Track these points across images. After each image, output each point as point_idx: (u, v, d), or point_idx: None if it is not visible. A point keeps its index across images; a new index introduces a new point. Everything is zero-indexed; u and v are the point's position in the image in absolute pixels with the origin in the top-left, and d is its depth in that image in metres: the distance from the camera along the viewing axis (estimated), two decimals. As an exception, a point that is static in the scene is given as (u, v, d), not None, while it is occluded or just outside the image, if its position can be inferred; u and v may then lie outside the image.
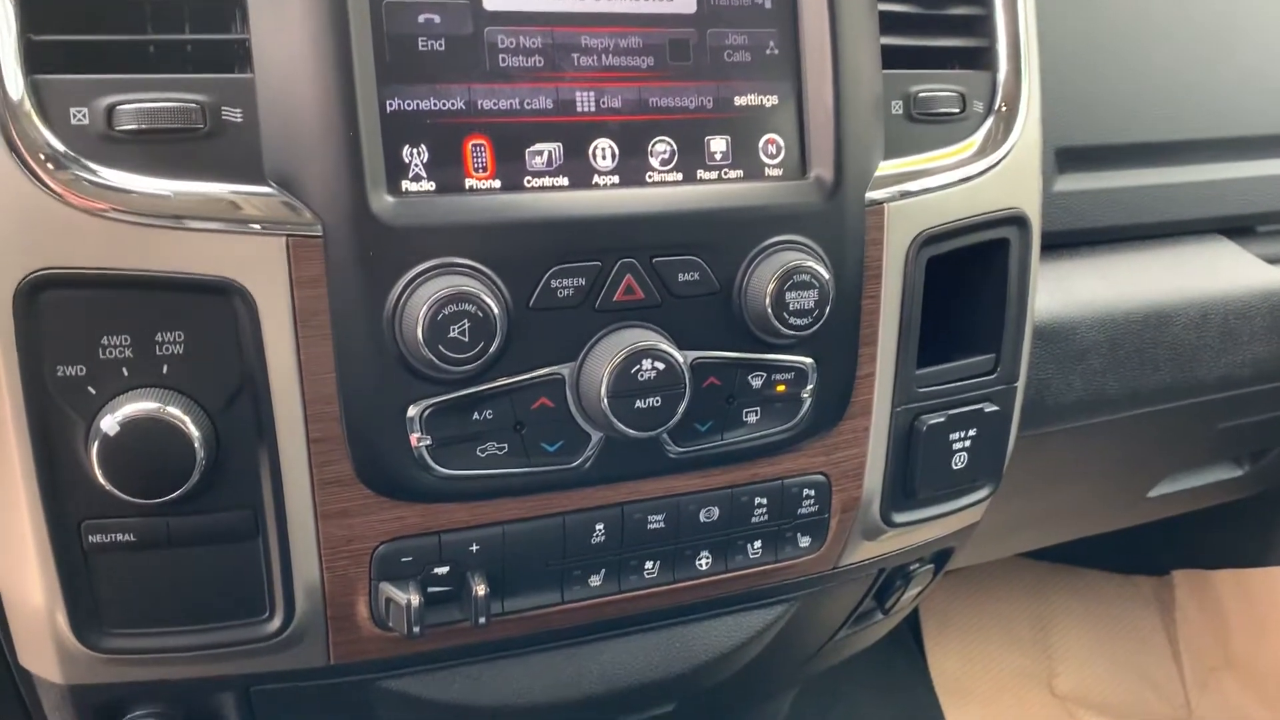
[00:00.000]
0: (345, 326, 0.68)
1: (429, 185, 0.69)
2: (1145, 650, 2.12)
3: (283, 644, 0.75)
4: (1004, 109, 0.88)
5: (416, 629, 0.74)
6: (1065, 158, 1.05)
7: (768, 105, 0.78)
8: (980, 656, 2.04)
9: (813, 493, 0.86)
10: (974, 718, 1.92)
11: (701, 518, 0.83)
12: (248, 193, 0.66)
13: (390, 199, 0.68)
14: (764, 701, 1.28)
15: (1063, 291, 1.07)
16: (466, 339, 0.68)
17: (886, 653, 1.55)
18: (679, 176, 0.76)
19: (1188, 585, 2.13)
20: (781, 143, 0.78)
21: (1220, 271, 1.18)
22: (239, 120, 0.66)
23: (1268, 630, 2.03)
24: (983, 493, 0.98)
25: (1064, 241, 1.07)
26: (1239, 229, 1.23)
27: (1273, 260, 1.21)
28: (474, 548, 0.76)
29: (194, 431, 0.66)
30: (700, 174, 0.76)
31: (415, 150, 0.69)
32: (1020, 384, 0.96)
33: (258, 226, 0.66)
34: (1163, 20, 1.13)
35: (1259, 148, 1.18)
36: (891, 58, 0.82)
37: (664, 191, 0.75)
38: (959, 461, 0.93)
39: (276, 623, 0.75)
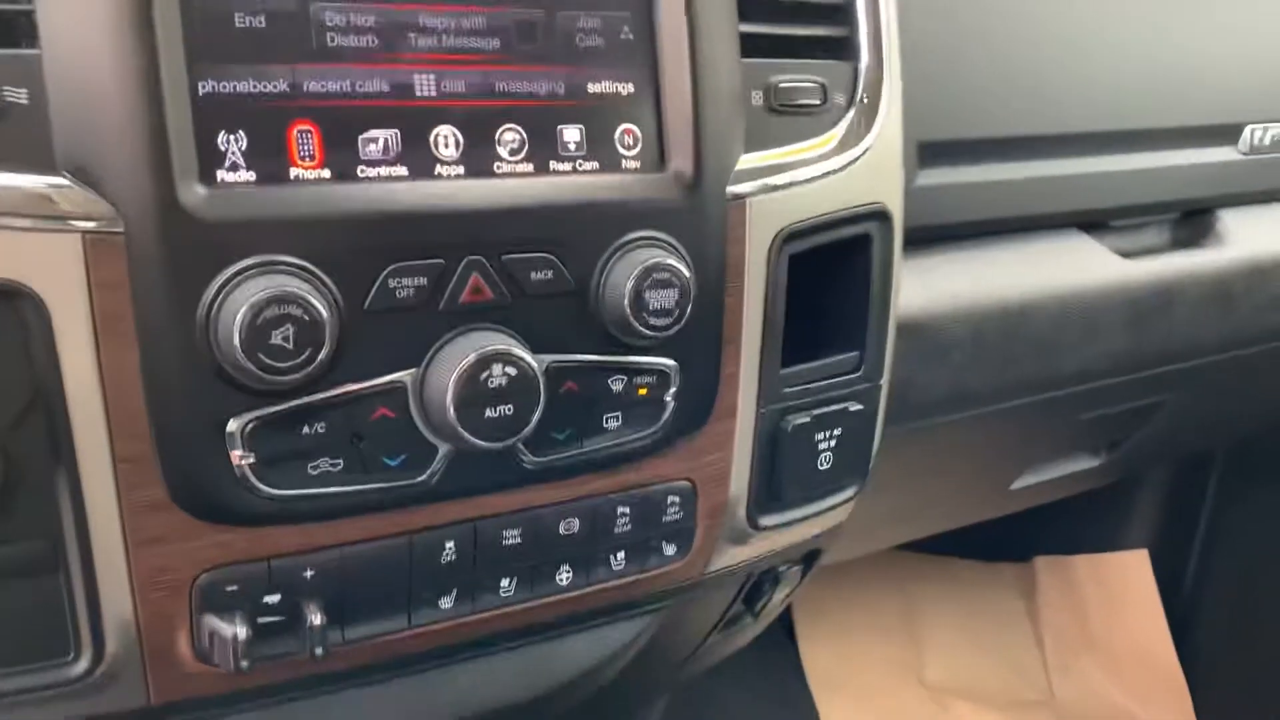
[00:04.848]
0: (153, 334, 0.61)
1: (248, 175, 0.63)
2: (1010, 636, 2.17)
3: (93, 686, 0.68)
4: (866, 101, 0.86)
5: (244, 664, 0.67)
6: (927, 152, 1.04)
7: (623, 93, 0.74)
8: (852, 650, 2.05)
9: (678, 499, 0.83)
10: (847, 711, 1.93)
11: (561, 530, 0.78)
12: (36, 184, 0.59)
13: (202, 190, 0.61)
14: (634, 711, 1.24)
15: (926, 287, 1.06)
16: (291, 345, 0.61)
17: (760, 651, 1.54)
18: (530, 168, 0.71)
19: (1048, 571, 2.19)
20: (639, 133, 0.74)
21: (1078, 266, 1.20)
22: (24, 102, 0.58)
23: (1123, 613, 2.11)
24: (849, 492, 0.96)
25: (926, 237, 1.07)
26: (1095, 224, 1.24)
27: (1126, 254, 1.24)
28: (308, 574, 0.70)
29: None
30: (553, 165, 0.72)
31: (232, 137, 0.62)
32: (884, 381, 0.94)
33: (48, 222, 0.59)
34: (1022, 16, 1.13)
35: (1114, 143, 1.20)
36: (751, 46, 0.79)
37: (514, 184, 0.70)
38: (825, 461, 0.91)
39: (84, 664, 0.67)
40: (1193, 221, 1.33)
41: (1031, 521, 1.89)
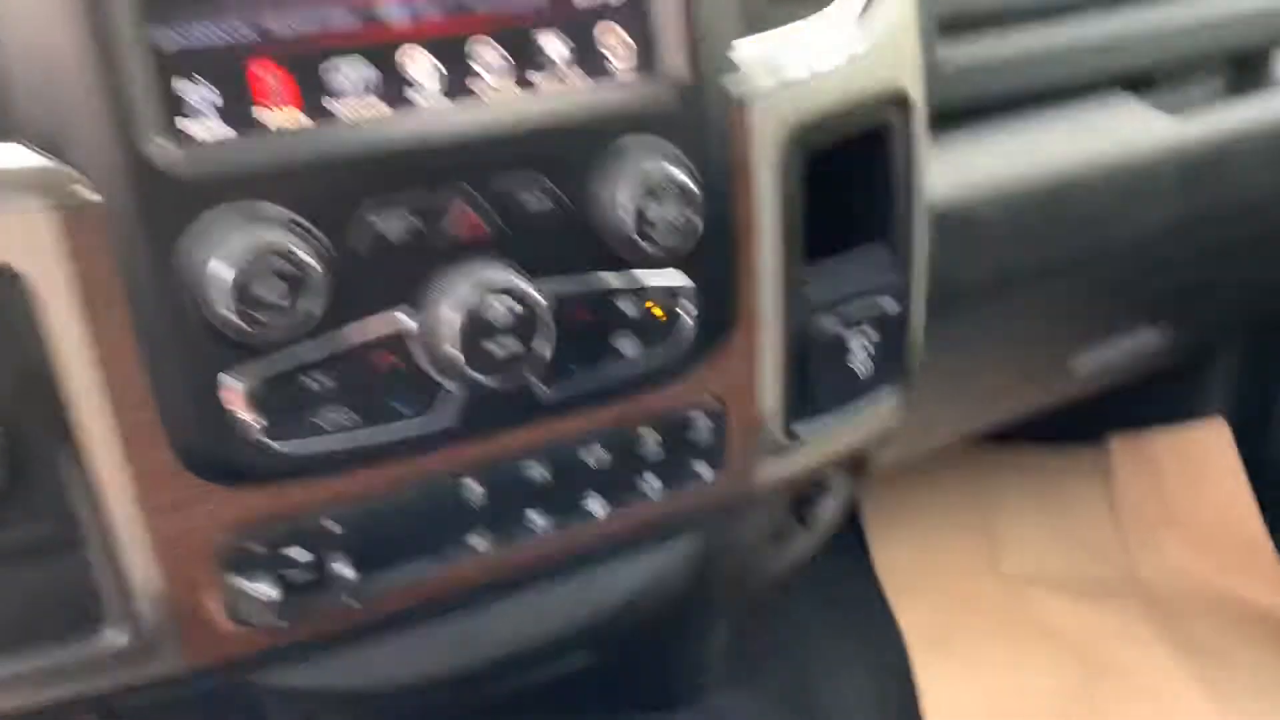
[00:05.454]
0: (140, 298, 0.60)
1: (217, 126, 0.60)
2: (1087, 519, 2.13)
3: (129, 656, 0.68)
4: (871, -25, 0.81)
5: (278, 620, 0.67)
6: (947, 24, 0.98)
7: None
8: (925, 549, 2.03)
9: (706, 417, 0.80)
10: (924, 611, 1.91)
11: (586, 459, 0.76)
12: (1, 157, 0.57)
13: (171, 146, 0.59)
14: (701, 629, 1.23)
15: (957, 171, 1.00)
16: (281, 297, 0.59)
17: (832, 560, 1.52)
18: (513, 86, 0.67)
19: (1124, 450, 2.14)
20: (626, 36, 0.70)
21: (1122, 130, 1.12)
22: None
23: (1204, 486, 2.05)
24: (890, 392, 0.93)
25: (954, 115, 1.01)
26: (1140, 82, 1.17)
27: (1175, 111, 1.16)
28: (332, 526, 0.69)
29: None
30: (537, 81, 0.68)
31: (195, 87, 0.60)
32: (917, 274, 0.90)
33: (17, 194, 0.57)
34: None
35: (1151, -6, 1.12)
36: None
37: (497, 105, 0.66)
38: (861, 363, 0.87)
39: (118, 635, 0.67)
40: (1246, 68, 1.24)
41: (1103, 403, 1.83)
